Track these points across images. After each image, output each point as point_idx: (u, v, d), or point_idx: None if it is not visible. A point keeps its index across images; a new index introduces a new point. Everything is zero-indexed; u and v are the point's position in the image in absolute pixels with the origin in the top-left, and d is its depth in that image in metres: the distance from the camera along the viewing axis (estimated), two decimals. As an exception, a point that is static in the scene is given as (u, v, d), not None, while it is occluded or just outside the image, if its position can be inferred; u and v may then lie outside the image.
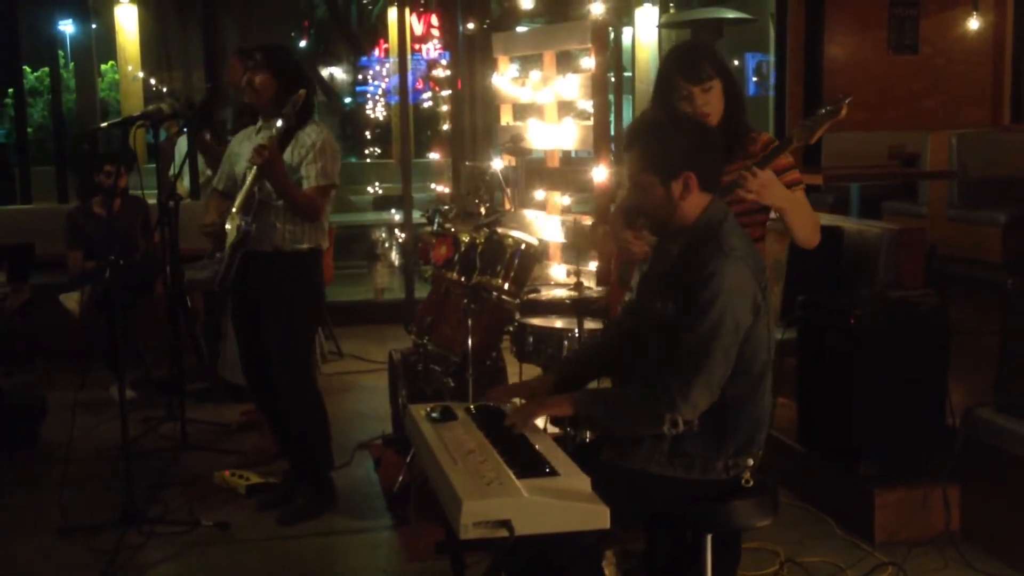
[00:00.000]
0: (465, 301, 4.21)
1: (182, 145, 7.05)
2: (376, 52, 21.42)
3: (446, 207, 4.83)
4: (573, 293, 4.03)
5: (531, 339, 4.27)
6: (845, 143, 7.81)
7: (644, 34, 17.10)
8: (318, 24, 22.88)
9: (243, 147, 4.24)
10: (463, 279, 4.36)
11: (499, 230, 4.43)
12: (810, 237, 3.18)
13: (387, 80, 20.17)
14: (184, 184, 7.97)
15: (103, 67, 18.29)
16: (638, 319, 2.84)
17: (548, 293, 4.49)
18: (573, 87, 6.05)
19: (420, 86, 17.30)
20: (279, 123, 4.00)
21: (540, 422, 2.86)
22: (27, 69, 15.79)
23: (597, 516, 2.34)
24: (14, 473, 4.85)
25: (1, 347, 6.29)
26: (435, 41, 19.39)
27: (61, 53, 18.10)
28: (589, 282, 4.35)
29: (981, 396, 4.00)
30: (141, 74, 16.85)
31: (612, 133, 6.14)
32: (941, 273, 6.95)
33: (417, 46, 19.33)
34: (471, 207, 4.92)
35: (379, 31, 21.08)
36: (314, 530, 4.15)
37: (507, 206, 6.55)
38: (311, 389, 4.32)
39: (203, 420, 5.46)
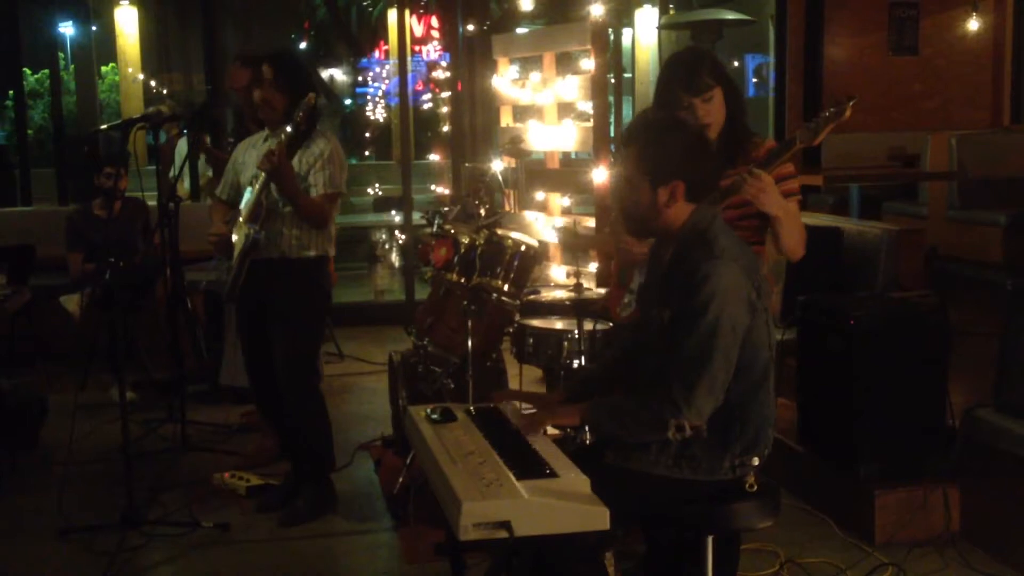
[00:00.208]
0: (465, 302, 4.21)
1: (182, 147, 7.06)
2: (376, 54, 21.45)
3: (446, 208, 4.84)
4: (573, 294, 4.03)
5: (531, 340, 4.27)
6: (845, 144, 7.83)
7: (644, 35, 17.13)
8: (318, 26, 22.88)
9: (249, 156, 4.25)
10: (463, 280, 4.36)
11: (499, 231, 4.43)
12: (796, 249, 3.18)
13: (387, 82, 20.18)
14: (184, 186, 7.98)
15: (103, 69, 18.30)
16: (641, 329, 2.84)
17: (548, 294, 4.49)
18: (573, 89, 6.05)
19: (420, 88, 17.32)
20: (288, 128, 4.02)
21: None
22: (27, 71, 15.77)
23: (597, 517, 2.34)
24: (14, 475, 4.84)
25: (1, 349, 6.29)
26: (435, 43, 19.44)
27: (61, 55, 18.10)
28: (589, 283, 4.35)
29: (981, 397, 4.00)
30: (141, 76, 16.89)
31: (612, 135, 6.14)
32: (941, 274, 6.96)
33: (417, 48, 19.38)
34: (471, 208, 4.92)
35: (379, 33, 21.10)
36: (314, 531, 4.15)
37: (507, 207, 6.56)
38: (315, 394, 4.32)
39: (203, 422, 5.46)
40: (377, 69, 21.06)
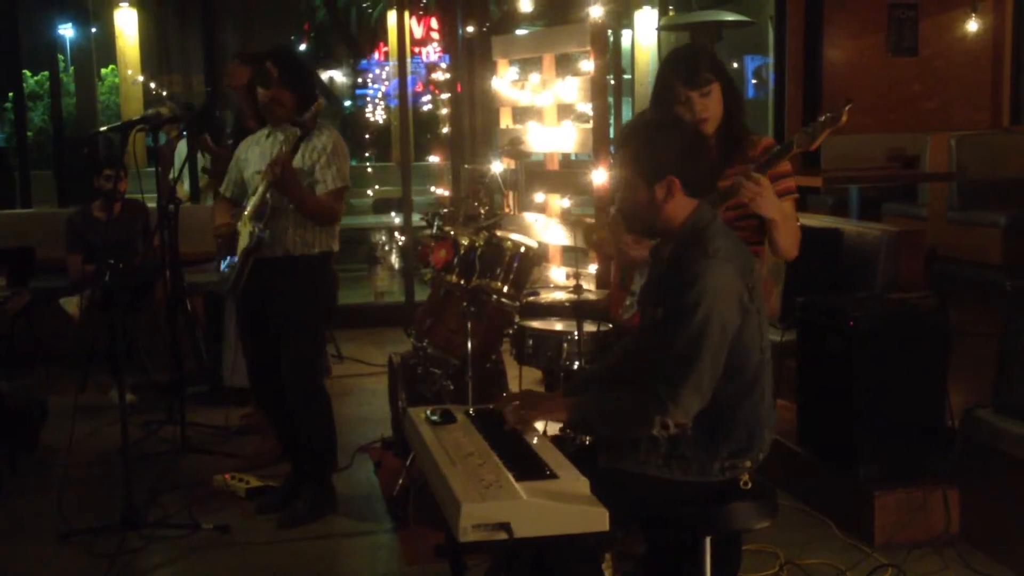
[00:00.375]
0: (465, 304, 4.21)
1: (182, 149, 7.06)
2: (376, 55, 21.44)
3: (446, 210, 4.84)
4: (572, 296, 4.03)
5: (531, 342, 4.28)
6: (845, 145, 7.83)
7: (643, 37, 17.13)
8: (318, 27, 22.90)
9: (251, 152, 4.25)
10: (463, 282, 4.36)
11: (498, 233, 4.43)
12: (790, 251, 3.19)
13: (387, 83, 20.17)
14: (184, 188, 7.98)
15: (103, 71, 18.30)
16: (643, 330, 2.85)
17: (548, 296, 4.49)
18: (572, 90, 6.06)
19: (420, 89, 17.31)
20: (297, 132, 4.03)
21: (540, 425, 2.86)
22: (27, 73, 15.79)
23: (596, 518, 2.34)
24: (14, 477, 4.84)
25: (1, 351, 6.29)
26: (435, 44, 19.44)
27: (61, 57, 18.11)
28: (589, 285, 4.35)
29: (980, 397, 4.00)
30: (141, 78, 16.88)
31: (611, 136, 6.14)
32: (940, 275, 6.95)
33: (417, 49, 19.38)
34: (471, 210, 4.92)
35: (379, 34, 21.10)
36: (314, 533, 4.15)
37: (507, 209, 6.56)
38: (320, 393, 4.32)
39: (203, 423, 5.46)
40: (377, 71, 21.05)
